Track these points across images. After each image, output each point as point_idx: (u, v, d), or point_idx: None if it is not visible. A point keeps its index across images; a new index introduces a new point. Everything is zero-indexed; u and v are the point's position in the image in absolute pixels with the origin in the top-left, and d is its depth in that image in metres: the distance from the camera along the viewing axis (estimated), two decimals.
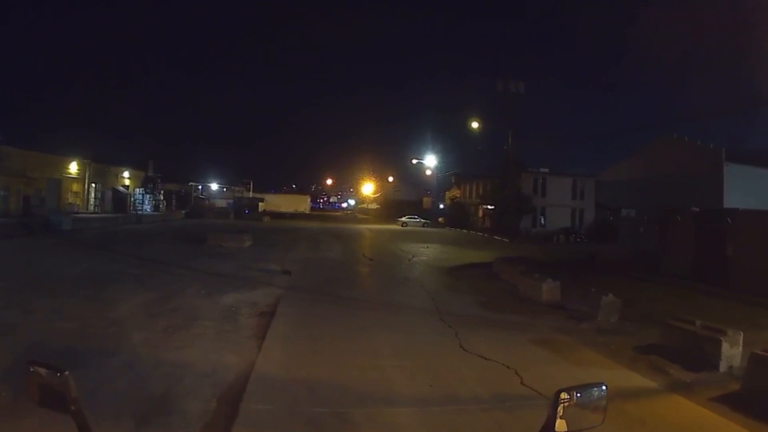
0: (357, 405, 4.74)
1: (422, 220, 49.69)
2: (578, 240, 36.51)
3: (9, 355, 5.70)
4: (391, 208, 65.74)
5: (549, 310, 9.86)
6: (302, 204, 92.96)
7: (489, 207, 44.43)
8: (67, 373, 1.46)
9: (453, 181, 59.17)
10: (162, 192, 50.43)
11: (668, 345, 7.17)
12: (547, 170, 44.74)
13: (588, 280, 13.03)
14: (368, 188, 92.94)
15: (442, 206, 61.56)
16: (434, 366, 6.07)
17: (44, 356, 5.36)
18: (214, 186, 70.00)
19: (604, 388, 1.55)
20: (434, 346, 7.03)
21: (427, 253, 22.54)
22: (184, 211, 48.87)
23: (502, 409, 4.86)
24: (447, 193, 61.40)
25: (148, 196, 46.14)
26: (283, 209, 72.25)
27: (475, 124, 36.26)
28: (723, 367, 6.48)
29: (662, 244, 17.00)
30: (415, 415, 4.62)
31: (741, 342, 6.68)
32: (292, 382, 5.27)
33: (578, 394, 1.48)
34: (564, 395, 1.45)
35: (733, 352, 6.64)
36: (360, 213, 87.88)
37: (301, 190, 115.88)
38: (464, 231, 43.72)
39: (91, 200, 39.56)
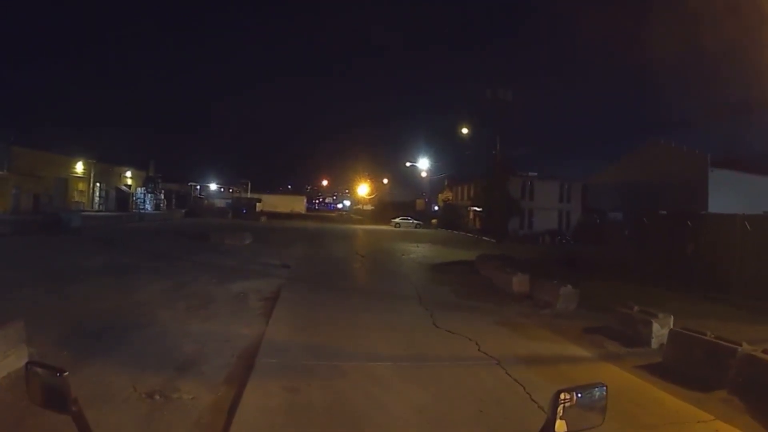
0: (346, 360, 6.11)
1: (415, 222, 50.87)
2: (563, 241, 37.73)
3: (62, 328, 6.98)
4: (385, 209, 66.55)
5: (517, 299, 11.10)
6: (298, 204, 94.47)
7: (478, 209, 45.76)
8: (66, 373, 1.45)
9: (446, 183, 60.53)
10: (162, 192, 51.63)
11: (612, 327, 8.40)
12: (535, 174, 46.17)
13: (560, 275, 14.23)
14: (363, 190, 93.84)
15: (436, 208, 62.89)
16: (409, 337, 7.43)
17: (90, 329, 6.82)
18: (212, 186, 71.26)
19: (604, 388, 1.53)
20: (411, 323, 8.40)
21: (416, 251, 23.80)
22: (183, 211, 50.01)
23: (459, 366, 6.25)
24: (440, 195, 62.73)
25: (149, 195, 47.36)
26: (279, 209, 73.51)
27: (465, 130, 37.51)
28: (655, 344, 7.64)
29: (634, 244, 18.31)
30: (390, 367, 5.99)
31: (671, 323, 7.77)
32: (295, 345, 6.63)
33: (578, 395, 1.46)
34: (564, 395, 1.43)
35: (663, 332, 7.72)
36: (355, 214, 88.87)
37: (296, 191, 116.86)
38: (455, 232, 45.04)
39: (96, 199, 40.81)
